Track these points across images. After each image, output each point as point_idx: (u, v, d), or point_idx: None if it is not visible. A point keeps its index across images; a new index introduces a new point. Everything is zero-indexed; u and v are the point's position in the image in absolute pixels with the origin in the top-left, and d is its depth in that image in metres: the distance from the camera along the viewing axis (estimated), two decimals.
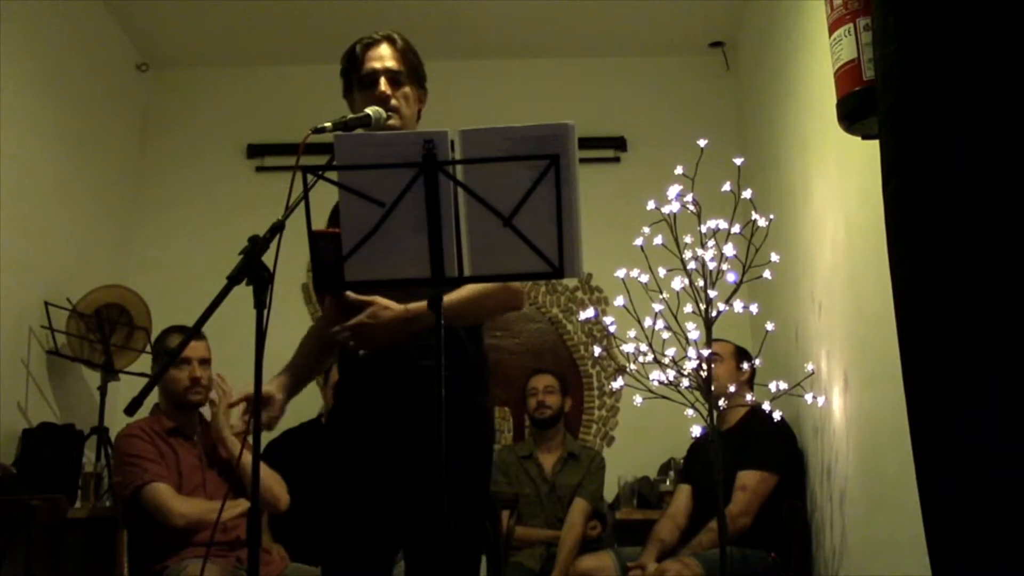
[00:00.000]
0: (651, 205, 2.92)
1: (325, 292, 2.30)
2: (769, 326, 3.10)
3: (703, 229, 2.92)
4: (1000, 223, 1.33)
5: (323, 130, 1.87)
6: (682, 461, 3.94)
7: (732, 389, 3.22)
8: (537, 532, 3.99)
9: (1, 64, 3.71)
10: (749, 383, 3.57)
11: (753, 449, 3.38)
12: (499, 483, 4.06)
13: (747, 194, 2.93)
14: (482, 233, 1.60)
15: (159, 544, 2.90)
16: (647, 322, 3.01)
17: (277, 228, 1.72)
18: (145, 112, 5.07)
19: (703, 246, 2.91)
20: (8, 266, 3.71)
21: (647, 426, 4.21)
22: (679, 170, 3.00)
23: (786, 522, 3.32)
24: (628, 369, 3.05)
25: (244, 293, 1.68)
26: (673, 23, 4.72)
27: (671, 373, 2.95)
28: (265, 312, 1.63)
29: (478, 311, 2.10)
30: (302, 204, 1.62)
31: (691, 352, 2.94)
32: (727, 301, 2.89)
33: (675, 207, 2.90)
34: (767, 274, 2.98)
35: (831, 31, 2.10)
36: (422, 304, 1.90)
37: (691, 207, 2.92)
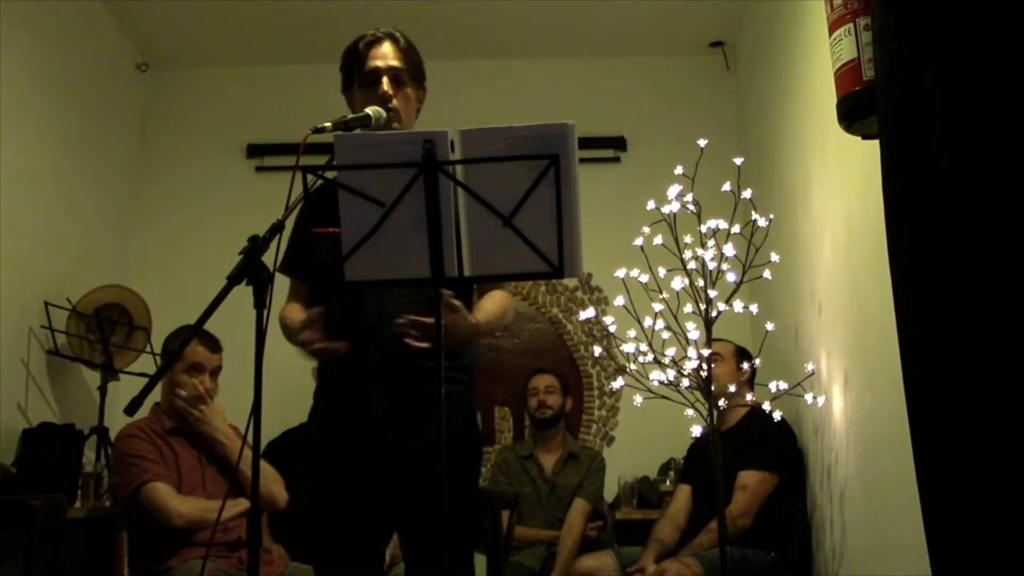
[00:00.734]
0: (651, 205, 2.92)
1: (310, 283, 2.27)
2: (769, 326, 3.10)
3: (703, 229, 2.92)
4: (999, 222, 1.33)
5: (323, 130, 1.87)
6: (682, 461, 3.94)
7: (732, 389, 3.21)
8: (537, 532, 3.98)
9: (1, 64, 3.71)
10: (749, 383, 3.57)
11: (753, 449, 3.38)
12: (499, 483, 4.07)
13: (747, 194, 2.93)
14: (482, 233, 1.60)
15: (159, 544, 2.90)
16: (647, 322, 3.01)
17: (277, 228, 1.72)
18: (145, 112, 5.07)
19: (703, 246, 2.91)
20: (8, 266, 3.71)
21: (647, 426, 4.21)
22: (679, 170, 3.00)
23: (786, 522, 3.32)
24: (628, 369, 3.05)
25: (244, 293, 1.68)
26: (673, 23, 4.72)
27: (671, 373, 2.95)
28: (265, 312, 1.63)
29: (501, 324, 2.18)
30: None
31: (691, 352, 2.94)
32: (727, 301, 2.89)
33: (675, 207, 2.90)
34: (767, 274, 2.98)
35: (831, 31, 2.10)
36: (490, 319, 2.06)
37: (691, 207, 2.92)
